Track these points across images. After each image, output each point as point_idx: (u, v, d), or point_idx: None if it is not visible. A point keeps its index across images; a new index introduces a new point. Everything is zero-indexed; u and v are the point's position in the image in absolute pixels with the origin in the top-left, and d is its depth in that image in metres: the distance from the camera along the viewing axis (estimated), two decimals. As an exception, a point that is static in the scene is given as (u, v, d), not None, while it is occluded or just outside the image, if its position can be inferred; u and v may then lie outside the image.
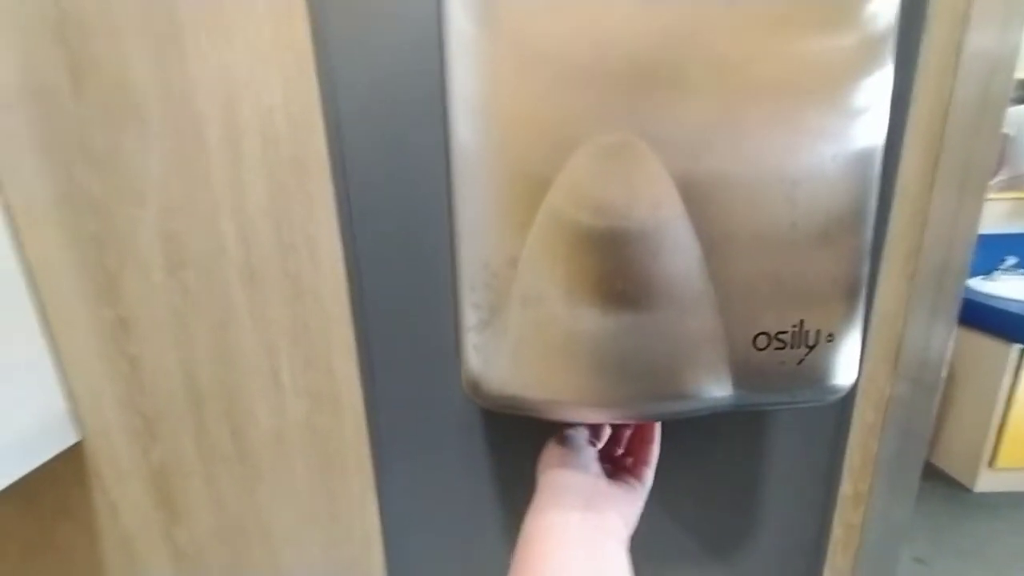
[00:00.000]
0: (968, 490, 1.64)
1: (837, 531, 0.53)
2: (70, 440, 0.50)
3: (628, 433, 0.40)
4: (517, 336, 0.26)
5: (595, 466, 0.35)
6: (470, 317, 0.27)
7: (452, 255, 0.28)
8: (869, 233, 0.26)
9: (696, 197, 0.24)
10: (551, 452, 0.37)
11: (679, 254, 0.25)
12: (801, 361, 0.27)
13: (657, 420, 0.28)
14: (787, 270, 0.25)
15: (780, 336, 0.26)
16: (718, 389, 0.27)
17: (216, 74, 0.40)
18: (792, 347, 0.26)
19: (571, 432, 0.40)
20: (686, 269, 0.25)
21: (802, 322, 0.26)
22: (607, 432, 0.41)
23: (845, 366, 0.29)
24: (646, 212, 0.25)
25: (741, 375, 0.27)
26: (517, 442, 0.49)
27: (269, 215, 0.42)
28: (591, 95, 0.24)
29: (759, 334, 0.26)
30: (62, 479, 0.51)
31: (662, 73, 0.24)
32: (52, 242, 0.43)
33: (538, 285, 0.25)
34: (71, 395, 0.49)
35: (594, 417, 0.27)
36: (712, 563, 0.52)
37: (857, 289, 0.26)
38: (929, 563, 1.41)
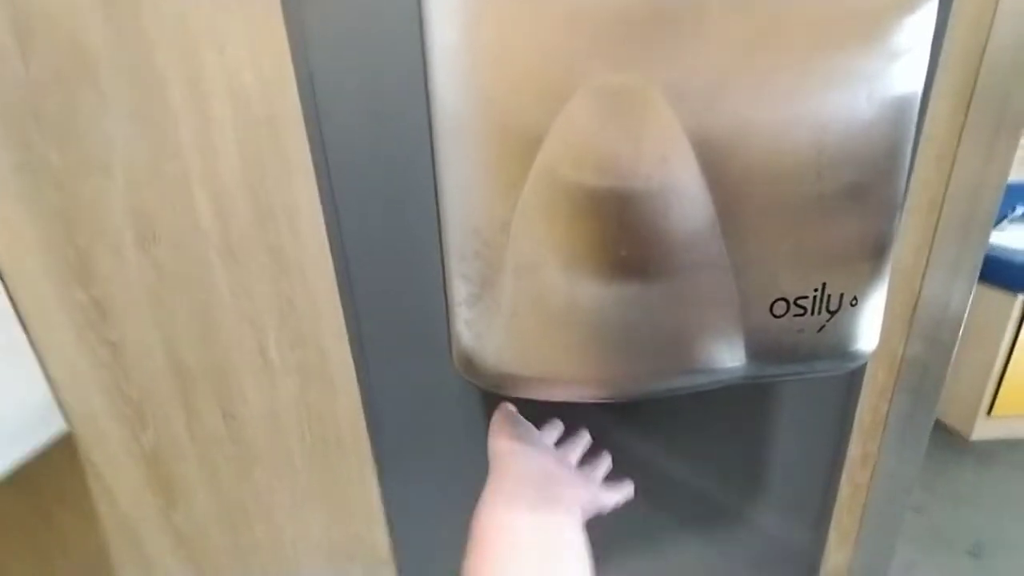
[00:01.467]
0: (965, 438, 1.66)
1: (844, 491, 0.52)
2: (56, 428, 0.48)
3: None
4: (511, 309, 0.24)
5: (545, 440, 0.35)
6: (460, 290, 0.25)
7: (439, 222, 0.25)
8: (903, 183, 0.23)
9: (710, 148, 0.21)
10: (500, 425, 0.36)
11: (690, 214, 0.22)
12: (822, 328, 0.24)
13: (664, 395, 0.26)
14: (810, 228, 0.23)
15: (800, 301, 0.24)
16: (730, 361, 0.25)
17: (173, 26, 0.36)
18: (812, 313, 0.24)
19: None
20: (698, 231, 0.22)
21: (824, 285, 0.24)
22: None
23: (867, 331, 0.26)
24: (653, 167, 0.22)
25: (756, 345, 0.25)
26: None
27: (244, 182, 0.39)
28: (587, 32, 0.21)
29: (777, 300, 0.24)
30: (57, 467, 0.50)
31: (674, 6, 0.21)
32: (14, 218, 0.41)
33: (533, 252, 0.22)
34: (53, 383, 0.47)
35: (595, 396, 0.25)
36: (717, 524, 0.51)
37: (885, 246, 0.24)
38: (925, 511, 1.44)
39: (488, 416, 0.48)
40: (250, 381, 0.46)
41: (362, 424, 0.48)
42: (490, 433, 0.35)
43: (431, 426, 0.49)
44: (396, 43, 0.34)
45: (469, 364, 0.26)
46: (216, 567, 0.55)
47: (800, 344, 0.25)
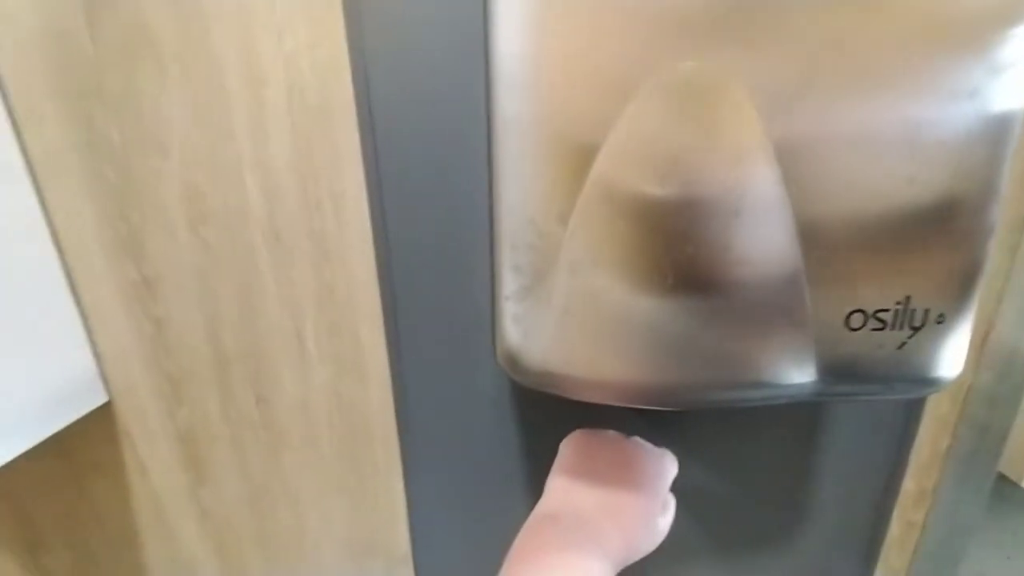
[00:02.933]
0: (1015, 484, 1.55)
1: (895, 529, 0.49)
2: (99, 399, 0.49)
3: None
4: (563, 306, 0.22)
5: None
6: (510, 283, 0.24)
7: (491, 210, 0.24)
8: (1003, 189, 0.21)
9: (791, 149, 0.20)
10: (575, 441, 0.35)
11: (764, 216, 0.21)
12: (903, 345, 0.22)
13: (722, 407, 0.24)
14: (896, 236, 0.21)
15: (880, 315, 0.22)
16: (799, 376, 0.23)
17: (233, 10, 0.36)
18: (893, 328, 0.22)
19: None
20: (771, 234, 0.21)
21: (908, 299, 0.22)
22: None
23: (952, 354, 0.24)
24: (727, 170, 0.20)
25: (828, 361, 0.23)
26: (549, 416, 0.46)
27: (294, 169, 0.39)
28: (660, 24, 0.20)
29: (854, 312, 0.22)
30: (94, 437, 0.51)
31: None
32: (73, 194, 0.42)
33: (590, 249, 0.21)
34: (98, 355, 0.48)
35: (646, 403, 0.24)
36: (756, 555, 0.48)
37: (979, 261, 0.22)
38: (972, 559, 1.34)
39: (519, 420, 0.47)
40: (285, 367, 0.46)
41: (392, 417, 0.47)
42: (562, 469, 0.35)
43: (462, 425, 0.48)
44: (456, 31, 0.33)
45: (514, 361, 0.25)
46: (238, 548, 0.55)
47: (877, 362, 0.23)
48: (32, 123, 0.40)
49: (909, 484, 0.47)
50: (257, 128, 0.39)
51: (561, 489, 0.33)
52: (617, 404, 0.24)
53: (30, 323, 0.43)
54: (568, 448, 0.36)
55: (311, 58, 0.37)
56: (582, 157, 0.22)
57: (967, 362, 0.43)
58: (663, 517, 0.33)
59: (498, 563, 0.55)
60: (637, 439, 0.35)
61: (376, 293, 0.43)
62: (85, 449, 0.52)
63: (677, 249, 0.22)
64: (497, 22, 0.23)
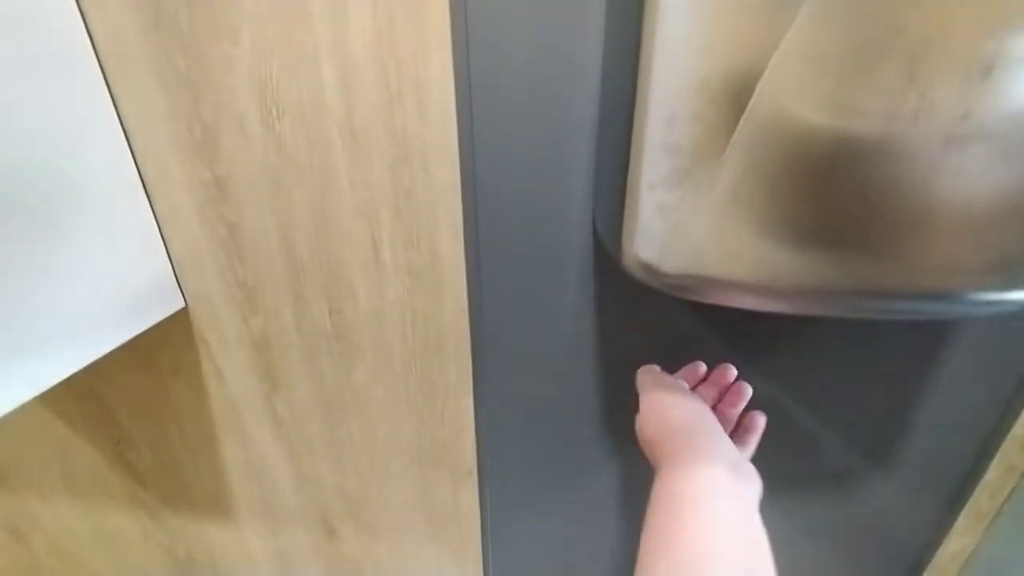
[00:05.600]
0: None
1: (993, 472, 0.46)
2: (176, 305, 0.50)
3: (734, 415, 0.37)
4: (732, 191, 0.19)
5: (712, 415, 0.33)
6: (660, 166, 0.20)
7: (632, 79, 0.20)
8: None
9: None
10: (660, 393, 0.34)
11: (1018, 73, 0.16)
12: None
13: (908, 318, 0.21)
14: None
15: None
16: (1014, 288, 0.19)
17: None
18: None
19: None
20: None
21: None
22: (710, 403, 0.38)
23: None
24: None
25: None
26: (628, 337, 0.44)
27: (375, 56, 0.35)
28: None
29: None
30: (173, 342, 0.52)
31: None
32: (142, 84, 0.39)
33: (792, 105, 0.17)
34: (174, 260, 0.48)
35: (824, 310, 0.21)
36: (838, 483, 0.47)
37: None
38: None
39: (603, 341, 0.45)
40: (359, 278, 0.45)
41: (466, 332, 0.46)
42: (650, 410, 0.34)
43: (536, 344, 0.46)
44: None
45: (655, 261, 0.22)
46: (310, 454, 0.57)
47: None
48: (96, 5, 0.37)
49: (1020, 428, 0.43)
50: (337, 9, 0.35)
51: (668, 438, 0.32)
52: (779, 311, 0.21)
53: (106, 227, 0.42)
54: (650, 389, 0.36)
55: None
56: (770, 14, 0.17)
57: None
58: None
59: (564, 483, 0.56)
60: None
61: (457, 200, 0.40)
62: (165, 354, 0.53)
63: (891, 121, 0.17)
64: None
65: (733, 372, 0.38)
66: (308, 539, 0.65)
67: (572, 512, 0.55)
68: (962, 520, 0.49)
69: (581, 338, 0.44)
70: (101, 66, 0.39)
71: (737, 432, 0.37)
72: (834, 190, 0.18)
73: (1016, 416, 0.42)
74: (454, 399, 0.50)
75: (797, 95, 0.18)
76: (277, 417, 0.56)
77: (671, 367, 0.42)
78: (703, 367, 0.39)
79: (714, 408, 0.36)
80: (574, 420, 0.50)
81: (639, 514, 0.54)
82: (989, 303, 0.19)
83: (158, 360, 0.54)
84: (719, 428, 0.31)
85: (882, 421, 0.42)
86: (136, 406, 0.59)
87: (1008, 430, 0.43)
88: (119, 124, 0.41)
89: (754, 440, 0.37)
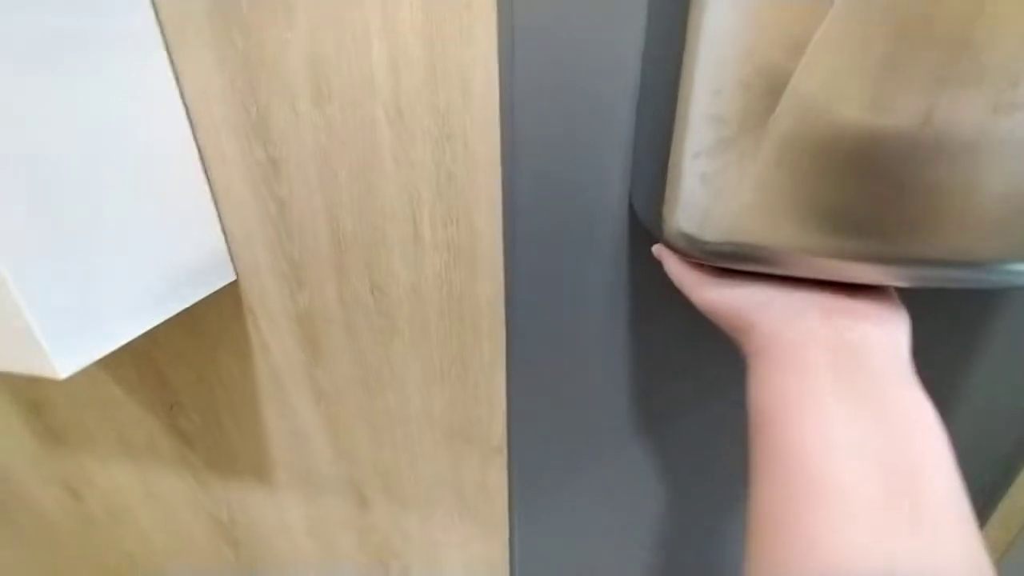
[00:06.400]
0: None
1: (1037, 470, 0.45)
2: (228, 277, 0.52)
3: None
4: (775, 158, 0.19)
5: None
6: (706, 135, 0.21)
7: (679, 51, 0.21)
8: None
9: None
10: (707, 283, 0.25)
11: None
12: None
13: (955, 286, 0.21)
14: None
15: None
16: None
17: None
18: None
19: None
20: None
21: None
22: None
23: None
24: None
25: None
26: (662, 316, 0.44)
27: (423, 35, 0.37)
28: None
29: None
30: (223, 313, 0.55)
31: None
32: (204, 65, 0.42)
33: (830, 81, 0.18)
34: (227, 234, 0.50)
35: (867, 276, 0.21)
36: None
37: None
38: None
39: (637, 319, 0.45)
40: (399, 254, 0.47)
41: (501, 310, 0.47)
42: (696, 284, 0.26)
43: (569, 324, 0.47)
44: None
45: (698, 230, 0.23)
46: (348, 425, 0.60)
47: None
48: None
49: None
50: (386, -14, 0.36)
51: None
52: (823, 277, 0.21)
53: (167, 202, 0.45)
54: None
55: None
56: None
57: None
58: None
59: (593, 463, 0.57)
60: None
61: (497, 180, 0.41)
62: (215, 324, 0.57)
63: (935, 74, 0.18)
64: None
65: None
66: (342, 509, 0.68)
67: (600, 491, 0.56)
68: (997, 515, 0.48)
69: (615, 317, 0.45)
70: (167, 46, 0.42)
71: None
72: (871, 175, 0.19)
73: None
74: (487, 376, 0.51)
75: (830, 90, 0.18)
76: (317, 389, 0.58)
77: (705, 347, 0.42)
78: None
79: None
80: (605, 399, 0.51)
81: (667, 494, 0.55)
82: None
83: (208, 330, 0.57)
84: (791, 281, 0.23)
85: (948, 386, 0.40)
86: (188, 373, 0.63)
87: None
88: (182, 103, 0.44)
89: None
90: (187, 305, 0.49)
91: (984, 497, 0.47)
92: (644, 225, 0.30)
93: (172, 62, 0.42)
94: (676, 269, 0.28)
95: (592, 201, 0.40)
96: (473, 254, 0.45)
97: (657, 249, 0.30)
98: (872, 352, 0.20)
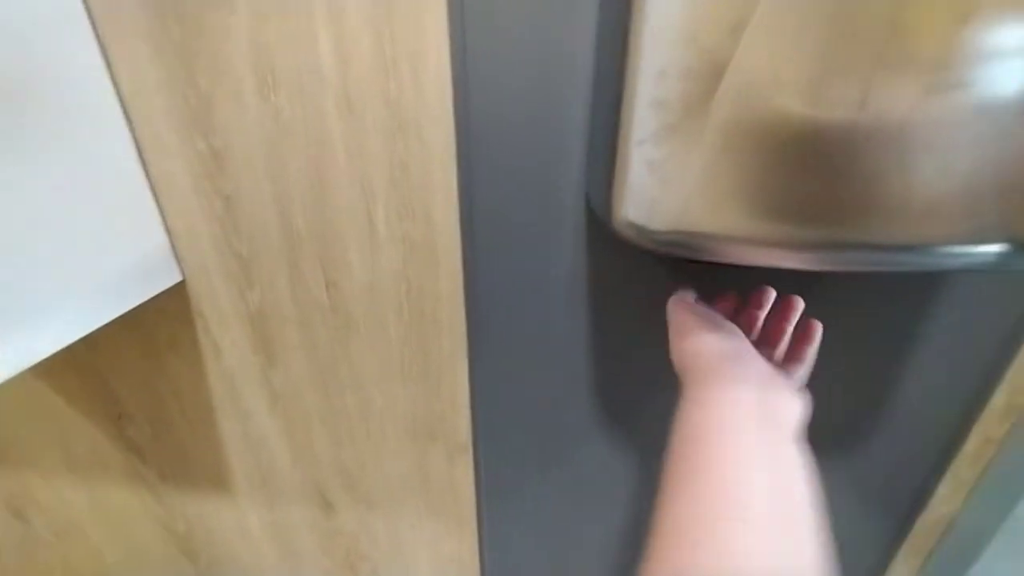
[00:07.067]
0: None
1: (972, 442, 0.47)
2: (173, 278, 0.50)
3: (789, 329, 0.35)
4: (719, 142, 0.20)
5: (745, 340, 0.31)
6: (649, 122, 0.21)
7: (623, 36, 0.21)
8: None
9: None
10: (690, 317, 0.32)
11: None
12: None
13: (889, 270, 0.21)
14: None
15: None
16: (985, 240, 0.20)
17: None
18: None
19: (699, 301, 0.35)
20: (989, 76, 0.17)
21: None
22: (758, 323, 0.36)
23: None
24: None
25: (1019, 222, 0.20)
26: (621, 307, 0.44)
27: (370, 21, 0.36)
28: None
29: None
30: (170, 316, 0.53)
31: None
32: (139, 56, 0.39)
33: (769, 65, 0.18)
34: (171, 232, 0.48)
35: (813, 263, 0.21)
36: (820, 446, 0.48)
37: None
38: None
39: (598, 310, 0.45)
40: (354, 249, 0.46)
41: (460, 303, 0.46)
42: (678, 333, 0.32)
43: (531, 317, 0.47)
44: None
45: (645, 219, 0.23)
46: (306, 427, 0.58)
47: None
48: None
49: (998, 399, 0.44)
50: (331, -26, 0.35)
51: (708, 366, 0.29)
52: (769, 264, 0.22)
53: (103, 199, 0.42)
54: (682, 316, 0.33)
55: None
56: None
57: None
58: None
59: (559, 454, 0.57)
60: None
61: (452, 171, 0.40)
62: (162, 327, 0.54)
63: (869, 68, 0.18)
64: None
65: (771, 292, 0.36)
66: (305, 513, 0.66)
67: (567, 486, 0.57)
68: (943, 488, 0.50)
69: (576, 308, 0.45)
70: (97, 34, 0.39)
71: (790, 347, 0.35)
72: (810, 161, 0.19)
73: (995, 386, 0.43)
74: (449, 371, 0.51)
75: (768, 74, 0.18)
76: (274, 390, 0.56)
77: (666, 338, 0.43)
78: (736, 298, 0.37)
79: (766, 329, 0.35)
80: (569, 393, 0.51)
81: (633, 488, 0.56)
82: (959, 255, 0.20)
83: (156, 334, 0.55)
84: (750, 352, 0.29)
85: (867, 387, 0.43)
86: (135, 381, 0.60)
87: (987, 400, 0.44)
88: (115, 92, 0.41)
89: (810, 352, 0.34)
90: (130, 307, 0.46)
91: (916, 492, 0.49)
92: (598, 216, 0.30)
93: (103, 49, 0.40)
94: (675, 317, 0.34)
95: (550, 192, 0.40)
96: (431, 248, 0.44)
97: (673, 300, 0.36)
98: (782, 418, 0.26)
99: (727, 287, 0.36)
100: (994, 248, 0.20)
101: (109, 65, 0.40)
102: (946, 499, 0.51)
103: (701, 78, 0.19)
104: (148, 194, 0.46)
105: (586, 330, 0.46)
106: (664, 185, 0.22)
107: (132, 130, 0.43)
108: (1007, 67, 0.17)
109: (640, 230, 0.23)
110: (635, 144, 0.22)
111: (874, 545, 0.54)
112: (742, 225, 0.21)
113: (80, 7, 0.38)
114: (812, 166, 0.20)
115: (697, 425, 0.26)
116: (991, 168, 0.19)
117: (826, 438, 0.47)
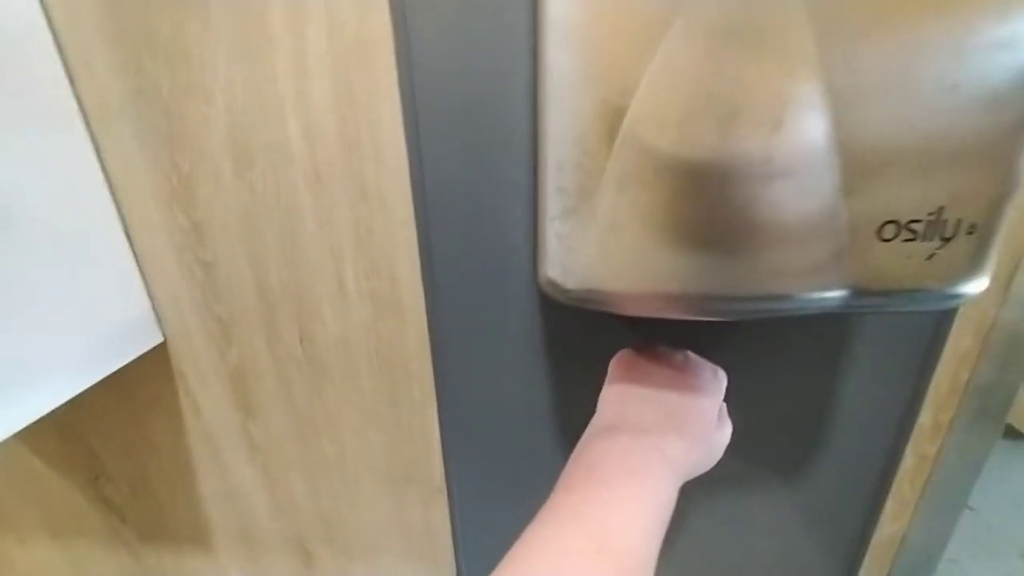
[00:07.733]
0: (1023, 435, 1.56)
1: (908, 461, 0.51)
2: (155, 340, 0.53)
3: None
4: (608, 222, 0.24)
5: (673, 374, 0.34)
6: (555, 203, 0.25)
7: (535, 134, 0.26)
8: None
9: (832, 52, 0.21)
10: (626, 357, 0.36)
11: (804, 129, 0.22)
12: (931, 256, 0.24)
13: (755, 317, 0.26)
14: (935, 144, 0.22)
15: (912, 225, 0.23)
16: (830, 287, 0.24)
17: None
18: (923, 239, 0.23)
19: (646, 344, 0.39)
20: (812, 147, 0.22)
21: (941, 209, 0.23)
22: None
23: (977, 268, 0.25)
24: (769, 79, 0.21)
25: (858, 272, 0.24)
26: (580, 353, 0.48)
27: (334, 108, 0.41)
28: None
29: (887, 223, 0.23)
30: (152, 377, 0.55)
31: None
32: (126, 142, 0.44)
33: (635, 165, 0.22)
34: (153, 298, 0.51)
35: (685, 314, 0.25)
36: (767, 480, 0.51)
37: (1017, 171, 0.22)
38: (978, 510, 1.37)
39: (549, 354, 0.49)
40: (326, 306, 0.49)
41: (427, 353, 0.50)
42: (609, 376, 0.36)
43: (494, 361, 0.50)
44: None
45: (558, 279, 0.27)
46: (285, 478, 0.60)
47: (905, 273, 0.24)
48: (84, 71, 0.42)
49: (925, 418, 0.48)
50: (299, 69, 0.40)
51: (617, 402, 0.33)
52: (654, 315, 0.26)
53: (90, 269, 0.46)
54: (620, 364, 0.36)
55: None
56: (623, 86, 0.23)
57: (995, 297, 0.44)
58: (720, 431, 0.33)
59: (531, 492, 0.59)
60: (688, 352, 0.36)
61: (413, 232, 0.45)
62: (143, 388, 0.56)
63: (716, 164, 0.23)
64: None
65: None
66: (285, 565, 0.67)
67: (537, 521, 0.58)
68: (890, 507, 0.53)
69: (534, 356, 0.48)
70: (88, 124, 0.44)
71: None
72: (685, 214, 0.23)
73: (918, 407, 0.47)
74: (420, 417, 0.53)
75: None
76: (252, 443, 0.58)
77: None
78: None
79: None
80: (534, 433, 0.54)
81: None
82: (813, 301, 0.25)
83: (136, 394, 0.57)
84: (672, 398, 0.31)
85: (802, 418, 0.46)
86: (114, 441, 0.61)
87: (915, 420, 0.48)
88: (103, 176, 0.45)
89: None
90: (113, 370, 0.48)
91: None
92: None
93: (93, 139, 0.44)
94: (616, 361, 0.37)
95: (502, 253, 0.44)
96: (397, 303, 0.48)
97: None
98: (668, 453, 0.29)
99: (665, 336, 0.40)
100: (838, 293, 0.24)
101: (99, 152, 0.44)
102: (894, 517, 0.54)
103: (590, 171, 0.24)
104: (132, 265, 0.49)
105: (544, 377, 0.49)
106: (570, 253, 0.26)
107: (119, 209, 0.47)
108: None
109: (557, 287, 0.28)
110: (548, 219, 0.26)
111: (835, 571, 0.57)
112: (636, 284, 0.25)
113: (74, 106, 0.43)
114: (685, 233, 0.24)
115: (596, 447, 0.30)
116: (812, 219, 0.23)
117: (770, 474, 0.50)
